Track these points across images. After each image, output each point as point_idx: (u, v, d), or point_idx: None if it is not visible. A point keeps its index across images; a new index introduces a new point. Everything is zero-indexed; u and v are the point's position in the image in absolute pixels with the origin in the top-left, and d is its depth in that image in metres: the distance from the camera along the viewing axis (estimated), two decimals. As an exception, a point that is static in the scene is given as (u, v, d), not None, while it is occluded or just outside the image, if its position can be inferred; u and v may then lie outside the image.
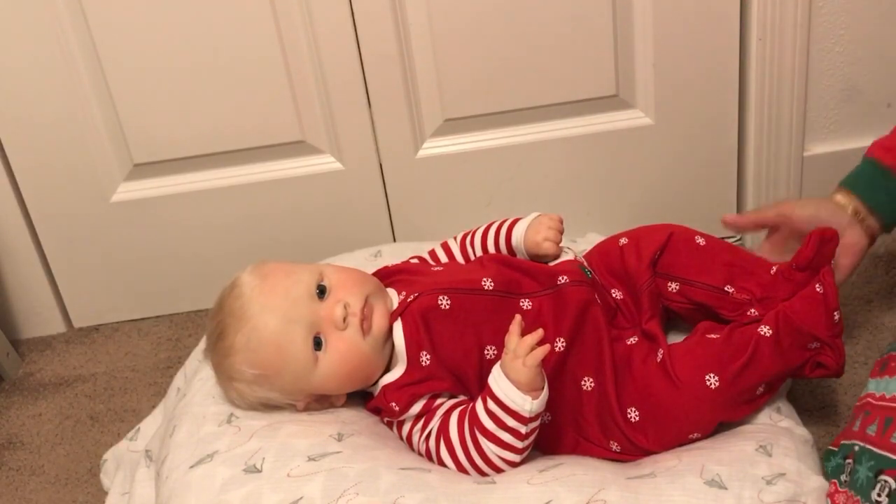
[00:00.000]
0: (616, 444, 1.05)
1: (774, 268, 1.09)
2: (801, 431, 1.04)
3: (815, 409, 1.22)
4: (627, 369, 1.05)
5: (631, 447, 1.04)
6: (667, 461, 0.99)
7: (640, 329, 1.11)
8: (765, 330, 1.03)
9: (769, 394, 1.05)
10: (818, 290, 1.04)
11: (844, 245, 1.12)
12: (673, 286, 1.13)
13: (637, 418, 1.03)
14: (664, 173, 1.54)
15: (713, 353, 1.03)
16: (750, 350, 1.01)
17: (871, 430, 0.95)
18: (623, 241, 1.17)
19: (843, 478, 0.95)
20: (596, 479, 0.94)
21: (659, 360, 1.04)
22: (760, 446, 0.98)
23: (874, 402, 0.98)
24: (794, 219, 1.15)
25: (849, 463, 0.95)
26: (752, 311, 1.08)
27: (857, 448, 0.95)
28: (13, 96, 1.48)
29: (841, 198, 1.16)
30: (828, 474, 0.98)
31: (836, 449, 1.00)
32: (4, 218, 1.58)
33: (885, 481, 0.89)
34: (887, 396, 0.96)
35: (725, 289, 1.09)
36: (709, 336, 1.06)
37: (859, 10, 1.41)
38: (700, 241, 1.14)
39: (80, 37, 1.44)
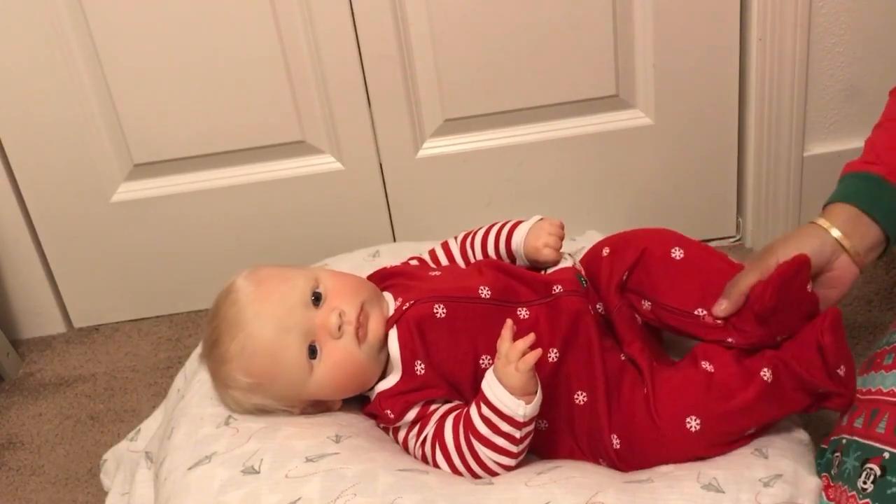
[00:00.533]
0: (604, 462, 1.04)
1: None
2: (797, 433, 1.03)
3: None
4: (617, 392, 1.03)
5: (615, 469, 1.02)
6: (663, 466, 0.99)
7: (624, 353, 1.06)
8: (766, 374, 0.97)
9: (759, 434, 1.00)
10: (818, 345, 0.96)
11: (831, 277, 1.01)
12: (646, 304, 1.08)
13: (618, 446, 1.02)
14: (664, 173, 1.54)
15: (701, 393, 0.98)
16: (746, 396, 0.96)
17: (858, 423, 0.95)
18: (605, 251, 1.13)
19: (832, 472, 0.95)
20: (593, 482, 0.94)
21: (644, 392, 1.01)
22: (756, 449, 0.98)
23: (861, 396, 0.98)
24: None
25: (837, 456, 0.96)
26: (730, 339, 1.01)
27: (844, 441, 0.96)
28: (13, 96, 1.49)
29: (823, 221, 1.02)
30: (819, 471, 0.98)
31: (826, 447, 1.00)
32: (4, 218, 1.58)
33: (871, 469, 0.89)
34: (873, 390, 0.96)
35: (696, 312, 1.03)
36: (703, 367, 1.00)
37: (859, 10, 1.41)
38: (676, 254, 1.06)
39: (80, 37, 1.44)
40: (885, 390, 0.95)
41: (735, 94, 1.48)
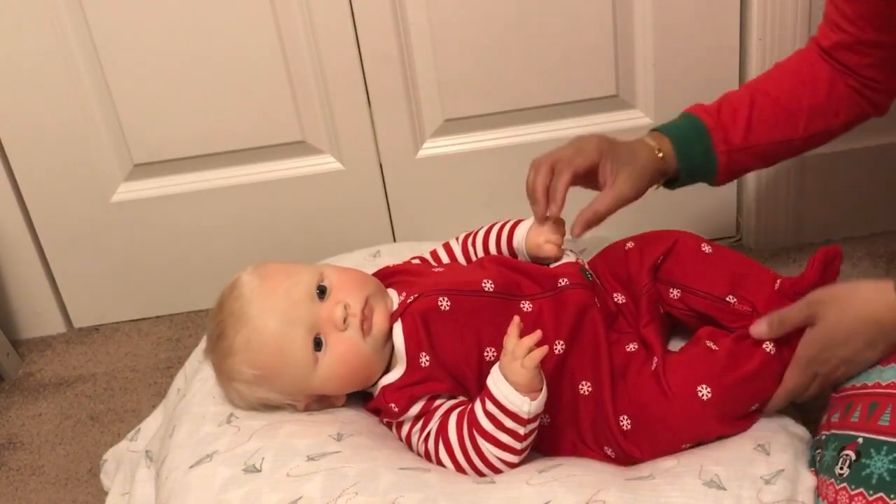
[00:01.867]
0: (610, 449, 1.04)
1: (779, 282, 1.07)
2: (798, 429, 1.04)
3: (815, 410, 1.21)
4: (622, 377, 1.04)
5: (623, 455, 1.03)
6: (665, 462, 0.99)
7: (638, 334, 1.09)
8: (769, 347, 1.00)
9: (761, 413, 1.03)
10: None
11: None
12: (674, 293, 1.11)
13: (629, 426, 1.02)
14: (664, 173, 1.54)
15: (709, 364, 1.00)
16: (751, 365, 0.99)
17: (835, 418, 0.97)
18: (629, 245, 1.16)
19: (816, 467, 0.97)
20: (595, 479, 0.94)
21: (653, 368, 1.03)
22: (759, 445, 0.98)
23: (836, 395, 1.01)
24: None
25: (819, 452, 0.98)
26: None
27: (824, 437, 0.98)
28: (13, 97, 1.49)
29: (650, 139, 1.14)
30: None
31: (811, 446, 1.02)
32: (4, 218, 1.58)
33: (847, 455, 0.92)
34: (847, 387, 0.99)
35: (727, 299, 1.07)
36: (708, 345, 1.03)
37: (859, 10, 1.41)
38: (706, 249, 1.12)
39: (80, 37, 1.44)
40: (857, 385, 0.97)
41: (735, 94, 1.48)
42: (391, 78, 1.47)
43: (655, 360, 1.04)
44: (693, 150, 1.14)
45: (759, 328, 1.01)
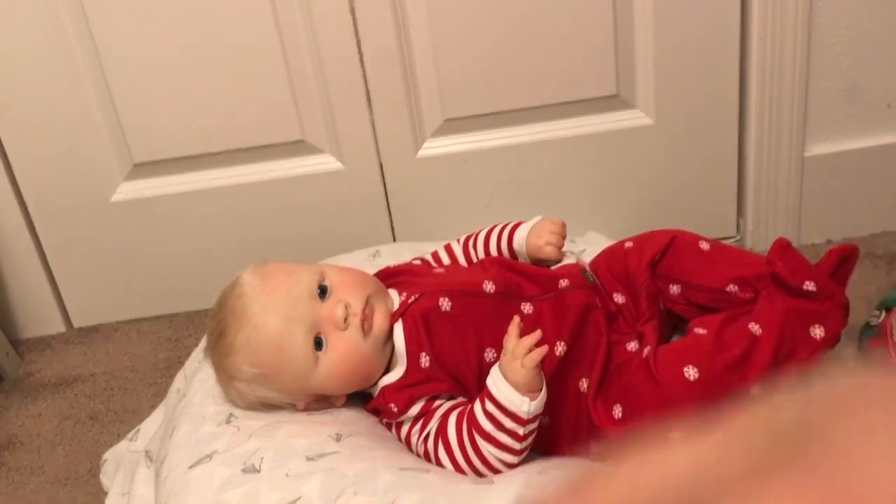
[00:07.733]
0: (597, 445, 1.04)
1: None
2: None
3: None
4: (618, 372, 1.05)
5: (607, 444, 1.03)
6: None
7: (637, 331, 1.10)
8: (755, 328, 1.01)
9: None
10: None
11: None
12: (674, 288, 1.11)
13: (620, 415, 1.02)
14: (664, 173, 1.54)
15: (696, 347, 1.01)
16: (739, 347, 0.99)
17: None
18: (628, 244, 1.17)
19: None
20: (594, 479, 0.94)
21: (644, 356, 1.04)
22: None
23: None
24: None
25: None
26: None
27: None
28: (13, 96, 1.48)
29: None
30: None
31: None
32: (4, 218, 1.58)
33: None
34: None
35: (728, 289, 1.08)
36: (696, 331, 1.04)
37: (860, 10, 1.41)
38: (704, 245, 1.13)
39: (80, 37, 1.44)
40: None
41: (735, 94, 1.48)
42: (391, 78, 1.47)
43: (647, 348, 1.04)
44: None
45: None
